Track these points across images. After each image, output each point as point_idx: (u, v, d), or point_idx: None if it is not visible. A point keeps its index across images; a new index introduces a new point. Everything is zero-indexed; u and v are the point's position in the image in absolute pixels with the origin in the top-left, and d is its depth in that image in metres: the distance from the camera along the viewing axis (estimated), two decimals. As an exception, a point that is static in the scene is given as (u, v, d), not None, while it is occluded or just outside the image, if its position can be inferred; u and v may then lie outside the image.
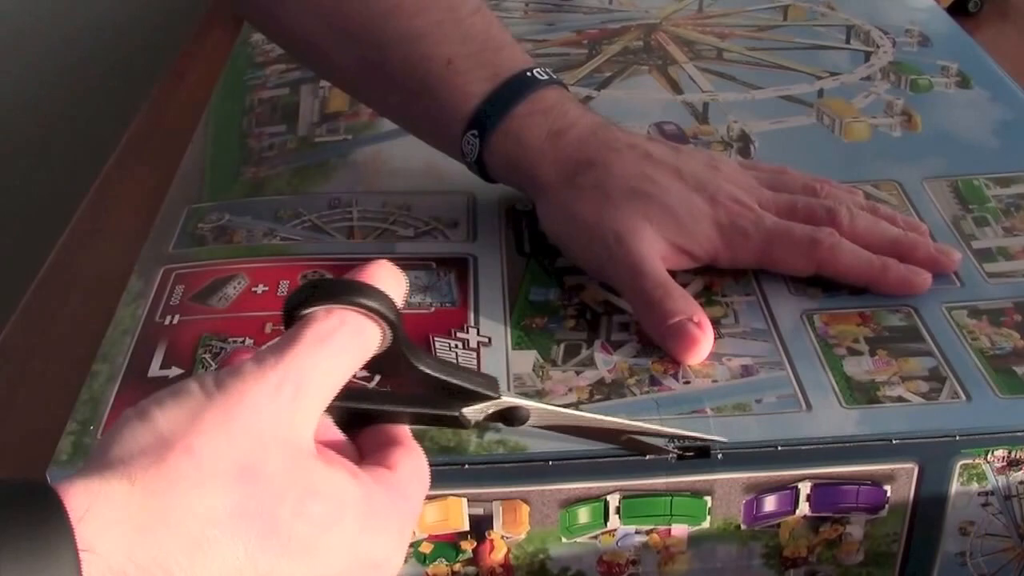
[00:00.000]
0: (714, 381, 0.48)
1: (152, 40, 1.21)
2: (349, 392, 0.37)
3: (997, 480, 0.46)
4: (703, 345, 0.49)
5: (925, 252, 0.54)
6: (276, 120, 0.73)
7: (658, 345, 0.50)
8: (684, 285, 0.52)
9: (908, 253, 0.54)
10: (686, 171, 0.54)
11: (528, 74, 0.57)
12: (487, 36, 0.58)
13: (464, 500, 0.45)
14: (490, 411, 0.41)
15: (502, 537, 0.46)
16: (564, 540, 0.46)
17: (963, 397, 0.46)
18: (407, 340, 0.38)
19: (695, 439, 0.44)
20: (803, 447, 0.45)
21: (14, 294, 0.66)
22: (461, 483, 0.45)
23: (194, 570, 0.31)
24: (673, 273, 0.52)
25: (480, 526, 0.46)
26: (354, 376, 0.37)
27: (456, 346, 0.50)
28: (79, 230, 0.72)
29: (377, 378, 0.45)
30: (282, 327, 0.37)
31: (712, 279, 0.54)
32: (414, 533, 0.45)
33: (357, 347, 0.36)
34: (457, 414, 0.40)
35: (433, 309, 0.53)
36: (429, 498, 0.43)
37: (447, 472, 0.44)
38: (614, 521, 0.46)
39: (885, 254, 0.53)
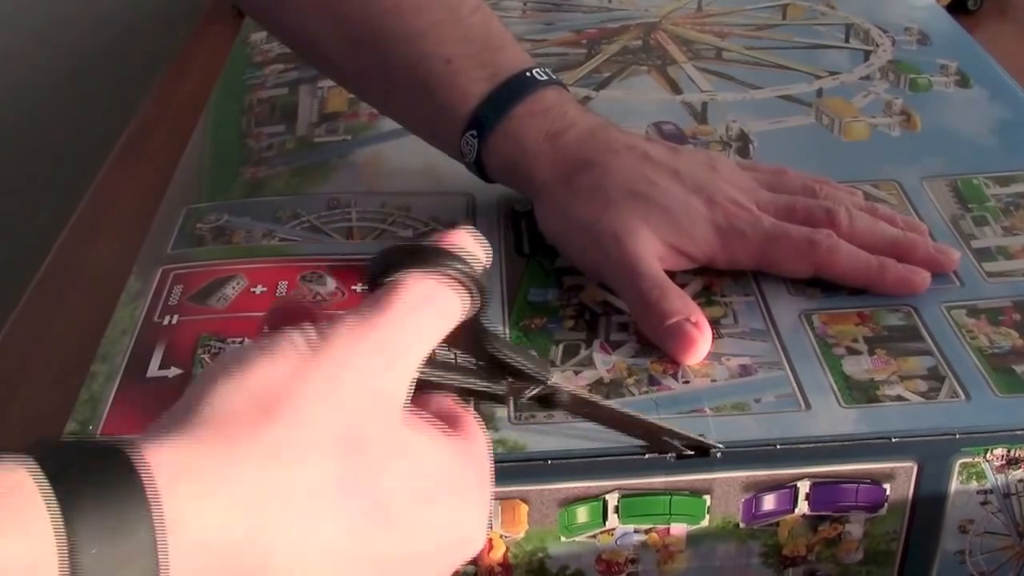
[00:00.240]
0: (713, 381, 0.48)
1: (151, 40, 1.22)
2: None
3: (996, 479, 0.46)
4: (701, 345, 0.49)
5: (924, 252, 0.54)
6: (275, 120, 0.73)
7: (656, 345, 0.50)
8: (683, 285, 0.52)
9: (907, 253, 0.54)
10: (684, 172, 0.54)
11: (528, 74, 0.57)
12: (487, 35, 0.58)
13: (463, 500, 0.45)
14: (534, 392, 0.40)
15: (501, 536, 0.46)
16: (563, 539, 0.46)
17: (962, 396, 0.46)
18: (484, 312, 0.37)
19: (719, 448, 0.44)
20: (802, 446, 0.45)
21: (14, 293, 0.66)
22: (460, 483, 0.45)
23: (299, 549, 0.29)
24: (672, 273, 0.52)
25: (479, 526, 0.46)
26: None
27: (455, 346, 0.50)
28: (78, 229, 0.72)
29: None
30: (366, 289, 0.34)
31: (711, 279, 0.54)
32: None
33: (449, 314, 0.35)
34: (504, 391, 0.40)
35: (432, 309, 0.52)
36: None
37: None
38: (613, 520, 0.46)
39: (884, 254, 0.53)
